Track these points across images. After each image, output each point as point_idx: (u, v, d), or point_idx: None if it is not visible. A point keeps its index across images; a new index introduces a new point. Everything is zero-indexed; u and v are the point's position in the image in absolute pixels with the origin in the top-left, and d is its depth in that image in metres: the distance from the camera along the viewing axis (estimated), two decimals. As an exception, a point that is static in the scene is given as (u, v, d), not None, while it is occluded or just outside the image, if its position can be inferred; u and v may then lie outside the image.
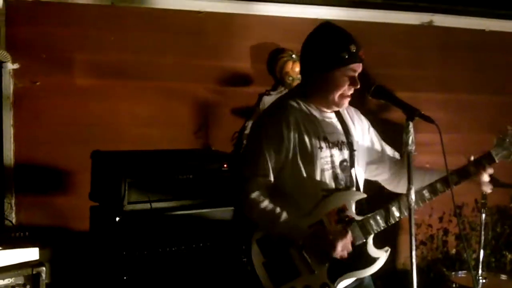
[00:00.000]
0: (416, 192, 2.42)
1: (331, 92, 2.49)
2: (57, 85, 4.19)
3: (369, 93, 2.44)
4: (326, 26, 2.55)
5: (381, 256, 2.55)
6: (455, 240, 5.23)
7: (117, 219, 3.23)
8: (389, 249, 2.58)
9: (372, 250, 2.54)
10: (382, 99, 2.44)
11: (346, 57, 2.44)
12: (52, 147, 4.13)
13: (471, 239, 5.11)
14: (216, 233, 3.52)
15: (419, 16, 5.09)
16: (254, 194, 2.46)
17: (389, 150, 2.78)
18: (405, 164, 2.30)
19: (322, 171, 2.50)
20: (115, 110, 4.33)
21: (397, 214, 2.54)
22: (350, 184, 2.57)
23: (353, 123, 2.68)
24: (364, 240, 2.52)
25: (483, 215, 3.71)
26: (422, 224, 5.07)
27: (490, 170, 2.59)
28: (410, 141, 2.29)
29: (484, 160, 2.57)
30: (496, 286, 3.80)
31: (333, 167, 2.53)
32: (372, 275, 2.63)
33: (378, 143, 2.76)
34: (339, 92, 2.49)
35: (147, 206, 3.31)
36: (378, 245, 2.57)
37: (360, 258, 2.51)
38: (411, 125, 2.30)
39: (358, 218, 2.52)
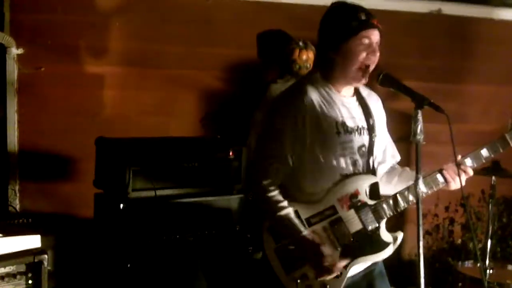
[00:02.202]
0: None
1: (349, 65, 2.43)
2: (62, 71, 4.17)
3: (377, 81, 2.41)
4: (335, 4, 2.51)
5: (394, 240, 2.55)
6: (461, 230, 5.21)
7: (122, 206, 3.22)
8: (402, 233, 2.57)
9: (384, 234, 2.53)
10: (391, 87, 2.40)
11: (357, 24, 2.38)
12: (57, 133, 4.12)
13: (477, 229, 5.09)
14: (221, 221, 3.51)
15: (427, 5, 5.04)
16: (266, 182, 2.44)
17: (392, 151, 2.76)
18: (414, 153, 2.28)
19: (340, 156, 2.47)
20: (121, 98, 4.31)
21: (410, 197, 2.51)
22: (367, 169, 2.55)
23: (374, 108, 2.64)
24: (377, 225, 2.51)
25: (490, 206, 3.71)
26: (428, 214, 5.05)
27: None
28: (418, 130, 2.27)
29: (498, 143, 2.60)
30: (503, 276, 3.79)
31: (351, 152, 2.50)
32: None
33: (386, 140, 2.74)
34: (358, 64, 2.42)
35: (151, 193, 3.31)
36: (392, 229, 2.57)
37: (372, 243, 2.51)
38: (420, 113, 2.27)
39: (371, 202, 2.50)
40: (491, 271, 3.74)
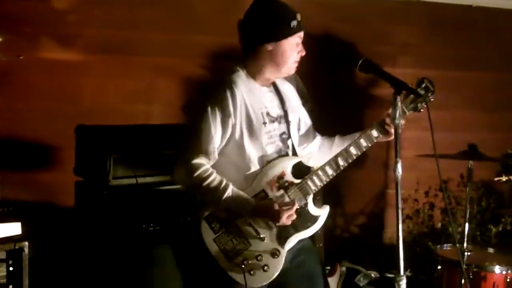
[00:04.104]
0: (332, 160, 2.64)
1: (285, 60, 2.57)
2: (42, 60, 4.12)
3: (357, 67, 2.47)
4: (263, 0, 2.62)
5: (322, 214, 2.66)
6: (441, 214, 5.27)
7: (102, 194, 3.22)
8: (328, 206, 2.70)
9: (313, 209, 2.65)
10: (370, 73, 2.50)
11: (295, 26, 2.54)
12: (37, 122, 4.09)
13: (456, 213, 5.15)
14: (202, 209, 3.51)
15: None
16: (198, 172, 2.48)
17: (313, 130, 2.90)
18: (394, 137, 2.32)
19: (266, 145, 2.58)
20: (101, 85, 4.27)
21: (330, 172, 2.64)
22: (289, 153, 2.67)
23: (288, 95, 2.76)
24: (305, 201, 2.62)
25: (468, 190, 3.76)
26: (408, 199, 5.11)
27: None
28: (397, 115, 2.31)
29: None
30: (482, 258, 3.85)
31: (275, 140, 2.62)
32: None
33: (307, 119, 2.87)
34: (292, 60, 2.58)
35: (133, 181, 3.30)
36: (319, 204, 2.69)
37: (303, 219, 2.62)
38: (398, 98, 2.32)
39: (297, 181, 2.61)
40: (469, 253, 3.80)
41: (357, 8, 4.76)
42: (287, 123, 2.68)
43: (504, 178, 4.03)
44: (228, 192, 2.48)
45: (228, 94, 2.49)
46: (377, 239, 5.01)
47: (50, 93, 4.14)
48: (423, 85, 2.73)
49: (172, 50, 4.42)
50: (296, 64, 2.62)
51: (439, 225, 5.25)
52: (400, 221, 2.25)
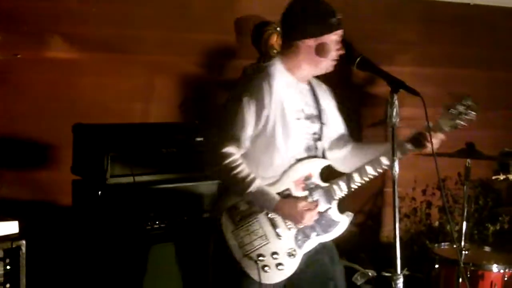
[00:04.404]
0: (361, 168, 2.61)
1: (324, 57, 2.56)
2: (39, 58, 4.13)
3: (354, 65, 2.47)
4: None
5: (344, 220, 2.66)
6: (438, 212, 5.27)
7: (100, 192, 3.21)
8: (352, 214, 2.69)
9: (335, 215, 2.64)
10: (367, 71, 2.50)
11: (335, 23, 2.55)
12: (34, 121, 4.08)
13: (454, 212, 5.15)
14: (200, 207, 3.51)
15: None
16: (228, 161, 2.47)
17: (347, 134, 2.87)
18: (389, 136, 2.31)
19: (297, 141, 2.57)
20: (98, 84, 4.27)
21: (358, 179, 2.63)
22: (318, 155, 2.67)
23: (323, 97, 2.74)
24: (329, 206, 2.62)
25: (465, 188, 3.75)
26: (405, 197, 5.11)
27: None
28: (394, 114, 2.30)
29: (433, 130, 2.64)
30: (479, 257, 3.85)
31: (306, 138, 2.61)
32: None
33: (340, 123, 2.84)
34: (334, 56, 2.57)
35: (130, 179, 3.30)
36: (343, 210, 2.68)
37: (324, 223, 2.62)
38: (395, 97, 2.31)
39: (323, 184, 2.62)
40: (466, 252, 3.80)
41: (354, 6, 4.75)
42: (321, 123, 2.67)
43: (501, 177, 4.03)
44: (254, 185, 2.47)
45: (265, 85, 2.49)
46: (374, 238, 5.02)
47: (47, 92, 4.14)
48: (466, 102, 2.70)
49: (169, 48, 4.43)
50: (334, 63, 2.61)
51: (436, 223, 5.25)
52: (398, 220, 2.24)
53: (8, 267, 2.75)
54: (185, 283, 3.45)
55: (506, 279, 3.66)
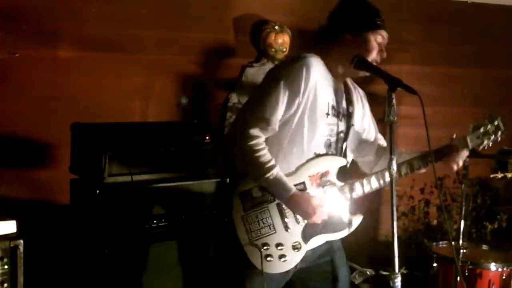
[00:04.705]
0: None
1: (364, 54, 2.52)
2: (37, 57, 4.11)
3: (352, 64, 2.47)
4: None
5: (354, 221, 2.65)
6: (437, 211, 5.28)
7: (98, 192, 3.21)
8: (362, 216, 2.68)
9: (346, 215, 2.63)
10: (365, 70, 2.50)
11: (379, 23, 2.56)
12: (32, 120, 4.08)
13: (452, 210, 5.16)
14: (198, 206, 3.51)
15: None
16: (252, 142, 2.43)
17: (379, 137, 2.86)
18: (387, 135, 2.32)
19: (320, 136, 2.54)
20: (97, 83, 4.26)
21: (375, 184, 2.62)
22: (339, 154, 2.64)
23: (357, 100, 2.73)
24: (342, 206, 2.61)
25: (463, 187, 3.75)
26: (403, 196, 5.11)
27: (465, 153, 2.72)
28: (392, 112, 2.30)
29: (459, 145, 2.72)
30: (477, 255, 3.85)
31: (330, 135, 2.58)
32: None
33: (373, 128, 2.84)
34: (372, 55, 2.56)
35: (128, 178, 3.30)
36: (354, 211, 2.67)
37: (334, 222, 2.60)
38: (393, 95, 2.31)
39: (339, 183, 2.61)
40: (464, 250, 3.80)
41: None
42: (349, 124, 2.65)
43: (499, 175, 4.02)
44: (273, 172, 2.42)
45: (303, 72, 2.45)
46: (372, 236, 5.01)
47: (45, 91, 4.13)
48: (495, 123, 2.70)
49: (167, 47, 4.42)
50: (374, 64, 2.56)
51: (434, 222, 5.26)
52: (395, 218, 2.24)
53: (6, 266, 2.75)
54: (185, 281, 3.45)
55: (504, 277, 3.67)
